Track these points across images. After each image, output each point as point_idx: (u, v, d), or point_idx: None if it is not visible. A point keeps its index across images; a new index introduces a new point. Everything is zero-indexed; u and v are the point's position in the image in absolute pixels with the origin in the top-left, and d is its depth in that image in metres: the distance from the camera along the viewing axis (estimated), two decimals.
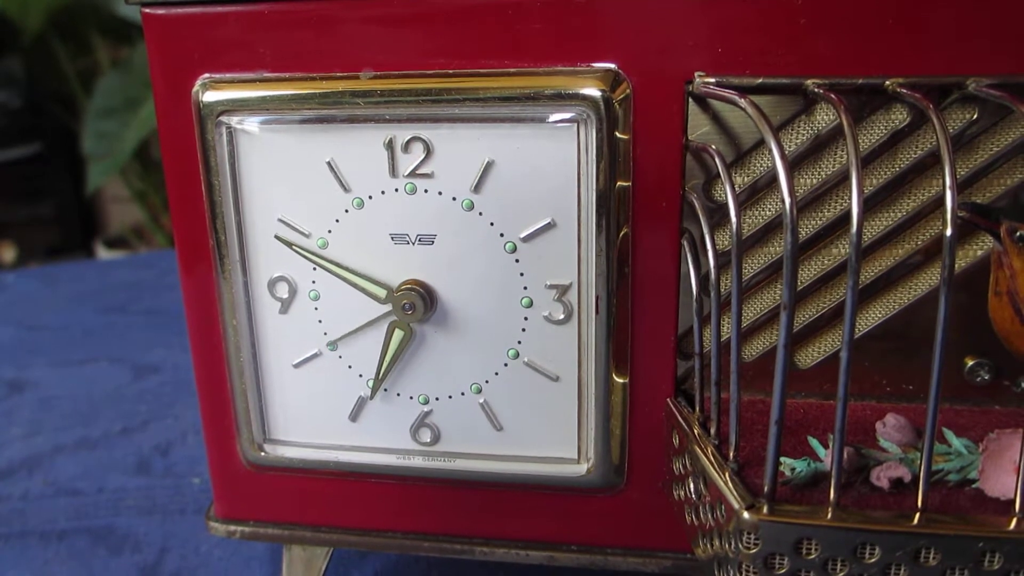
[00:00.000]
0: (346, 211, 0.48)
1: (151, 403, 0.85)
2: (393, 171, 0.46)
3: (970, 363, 0.46)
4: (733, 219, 0.38)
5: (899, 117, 0.43)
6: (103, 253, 2.49)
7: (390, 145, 0.46)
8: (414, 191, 0.47)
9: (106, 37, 2.29)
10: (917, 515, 0.37)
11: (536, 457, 0.50)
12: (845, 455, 0.40)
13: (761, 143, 0.45)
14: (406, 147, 0.46)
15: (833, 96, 0.39)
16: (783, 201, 0.35)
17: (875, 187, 0.45)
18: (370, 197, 0.47)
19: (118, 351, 0.99)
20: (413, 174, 0.46)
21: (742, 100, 0.39)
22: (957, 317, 0.45)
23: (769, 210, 0.46)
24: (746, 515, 0.38)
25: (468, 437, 0.50)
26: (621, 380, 0.48)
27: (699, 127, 0.45)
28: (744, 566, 0.38)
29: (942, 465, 0.40)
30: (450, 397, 0.50)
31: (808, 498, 0.40)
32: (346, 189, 0.47)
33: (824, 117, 0.44)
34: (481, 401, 0.50)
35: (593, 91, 0.43)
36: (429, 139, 0.46)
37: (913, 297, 0.46)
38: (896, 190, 0.45)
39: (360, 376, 0.50)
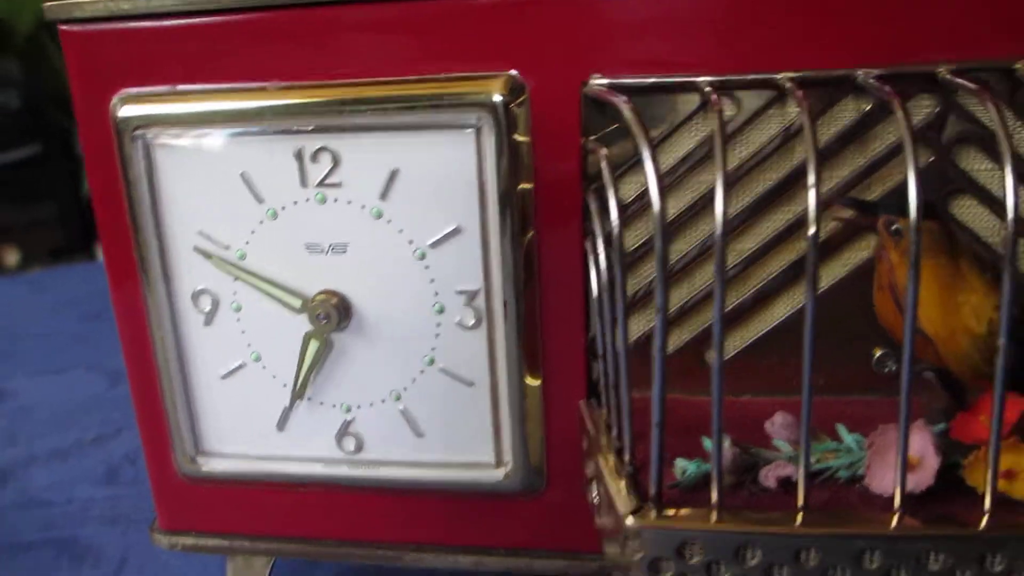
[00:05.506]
0: (261, 222, 0.48)
1: (126, 410, 0.86)
2: (303, 181, 0.47)
3: (878, 353, 0.45)
4: (615, 223, 0.38)
5: (793, 113, 0.43)
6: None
7: (299, 156, 0.47)
8: (324, 201, 0.47)
9: None
10: (799, 515, 0.37)
11: (456, 463, 0.50)
12: (731, 455, 0.40)
13: (663, 141, 0.45)
14: (314, 157, 0.46)
15: (714, 97, 0.39)
16: (652, 205, 0.35)
17: (774, 182, 0.44)
18: (283, 208, 0.48)
19: (96, 358, 1.00)
20: (322, 184, 0.47)
21: (622, 103, 0.39)
22: (864, 308, 0.44)
23: (673, 208, 0.46)
24: (629, 520, 0.37)
25: (390, 444, 0.51)
26: (534, 383, 0.48)
27: (603, 127, 0.44)
28: (632, 572, 0.38)
29: (831, 462, 0.40)
30: (371, 405, 0.50)
31: (699, 500, 0.40)
32: (260, 200, 0.48)
33: (726, 115, 0.44)
34: (401, 408, 0.50)
35: (492, 97, 0.43)
36: (336, 149, 0.46)
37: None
38: (795, 185, 0.44)
39: (284, 386, 0.51)
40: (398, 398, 0.50)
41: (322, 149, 0.46)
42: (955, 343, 0.37)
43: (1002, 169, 0.34)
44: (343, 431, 0.51)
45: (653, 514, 0.38)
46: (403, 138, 0.45)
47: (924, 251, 0.37)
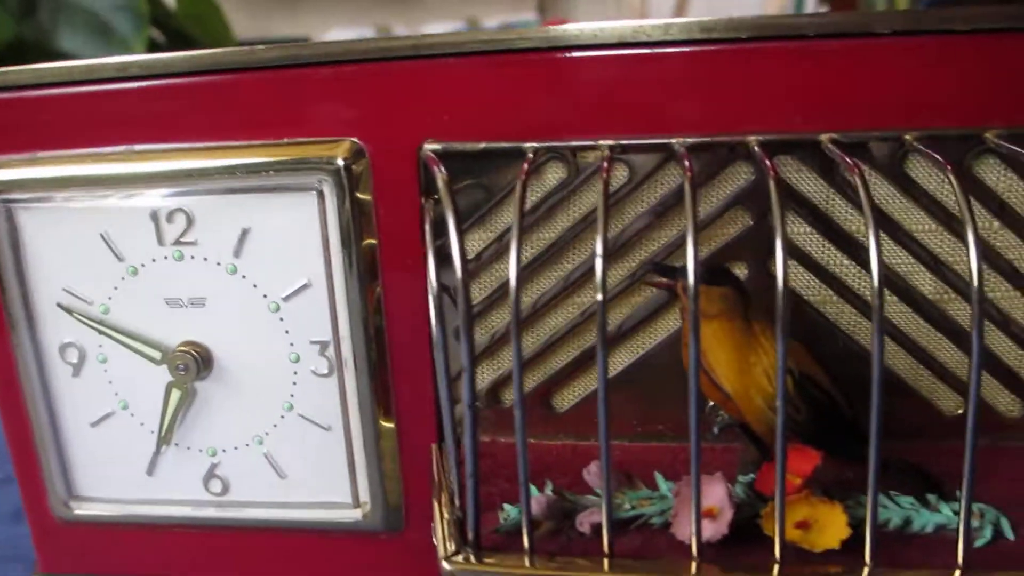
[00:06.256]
0: (122, 279, 0.50)
1: None
2: (160, 240, 0.49)
3: (709, 405, 0.48)
4: (432, 284, 0.40)
5: (621, 176, 0.46)
6: None
7: (155, 217, 0.48)
8: (181, 258, 0.49)
9: None
10: (605, 561, 0.39)
11: (317, 503, 0.52)
12: (546, 501, 0.42)
13: (501, 201, 0.47)
14: (169, 218, 0.48)
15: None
16: (454, 264, 0.38)
17: (612, 239, 0.47)
18: (143, 265, 0.50)
19: None
20: (178, 242, 0.49)
21: (437, 174, 0.41)
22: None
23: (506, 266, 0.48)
24: (444, 564, 0.40)
25: (255, 486, 0.53)
26: (388, 425, 0.50)
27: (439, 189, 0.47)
28: None
29: (645, 509, 0.42)
30: (235, 449, 0.52)
31: (521, 545, 0.42)
32: (120, 259, 0.50)
33: (554, 176, 0.46)
34: (264, 452, 0.52)
35: (332, 160, 0.46)
36: (189, 210, 0.48)
37: (654, 342, 0.48)
38: (628, 242, 0.47)
39: (152, 432, 0.52)
40: (260, 442, 0.52)
41: (177, 210, 0.48)
42: (750, 401, 0.40)
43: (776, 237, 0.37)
44: (209, 474, 0.53)
45: (468, 558, 0.40)
46: (252, 199, 0.47)
47: (719, 314, 0.40)
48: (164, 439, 0.52)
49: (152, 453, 0.53)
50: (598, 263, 0.36)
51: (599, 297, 0.36)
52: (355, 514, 0.52)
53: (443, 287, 0.40)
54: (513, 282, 0.37)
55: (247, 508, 0.53)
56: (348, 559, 0.53)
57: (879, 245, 0.35)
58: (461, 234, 0.38)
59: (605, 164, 0.41)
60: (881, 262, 0.35)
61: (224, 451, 0.52)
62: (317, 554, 0.54)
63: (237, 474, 0.53)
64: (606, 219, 0.37)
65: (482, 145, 0.45)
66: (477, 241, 0.49)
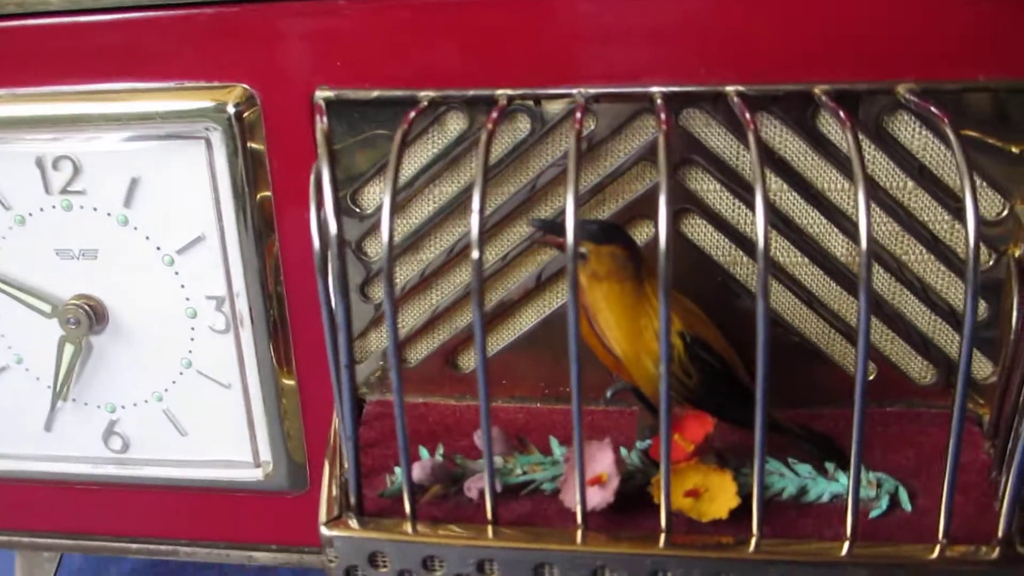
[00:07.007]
0: (10, 228, 0.48)
1: None
2: (47, 188, 0.47)
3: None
4: (314, 234, 0.38)
5: (523, 127, 0.44)
6: None
7: (40, 164, 0.46)
8: (70, 207, 0.47)
9: None
10: (488, 528, 0.38)
11: (220, 461, 0.51)
12: (431, 466, 0.41)
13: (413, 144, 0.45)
14: (55, 165, 0.46)
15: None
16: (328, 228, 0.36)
17: (510, 196, 0.45)
18: (30, 214, 0.47)
19: None
20: (65, 191, 0.47)
21: (318, 123, 0.39)
22: None
23: (415, 217, 0.46)
24: (323, 529, 0.39)
25: (155, 444, 0.51)
26: (290, 383, 0.48)
27: (342, 138, 0.45)
28: None
29: (536, 475, 0.41)
30: (135, 405, 0.51)
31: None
32: (6, 207, 0.47)
33: (455, 126, 0.44)
34: (164, 408, 0.50)
35: (223, 107, 0.43)
36: (75, 157, 0.46)
37: (560, 301, 0.47)
38: (530, 199, 0.45)
39: (48, 388, 0.51)
40: (160, 399, 0.50)
41: (62, 157, 0.46)
42: (641, 365, 0.39)
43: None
44: (109, 431, 0.51)
45: (352, 523, 0.39)
46: (141, 147, 0.45)
47: (609, 274, 0.38)
48: (60, 394, 0.50)
49: (49, 409, 0.51)
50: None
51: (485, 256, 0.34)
52: (256, 473, 0.50)
53: (341, 241, 0.37)
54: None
55: (148, 466, 0.52)
56: (253, 518, 0.52)
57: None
58: (336, 190, 0.36)
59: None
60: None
61: (123, 407, 0.51)
62: (222, 513, 0.53)
63: (137, 431, 0.51)
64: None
65: (375, 93, 0.43)
66: (380, 194, 0.46)
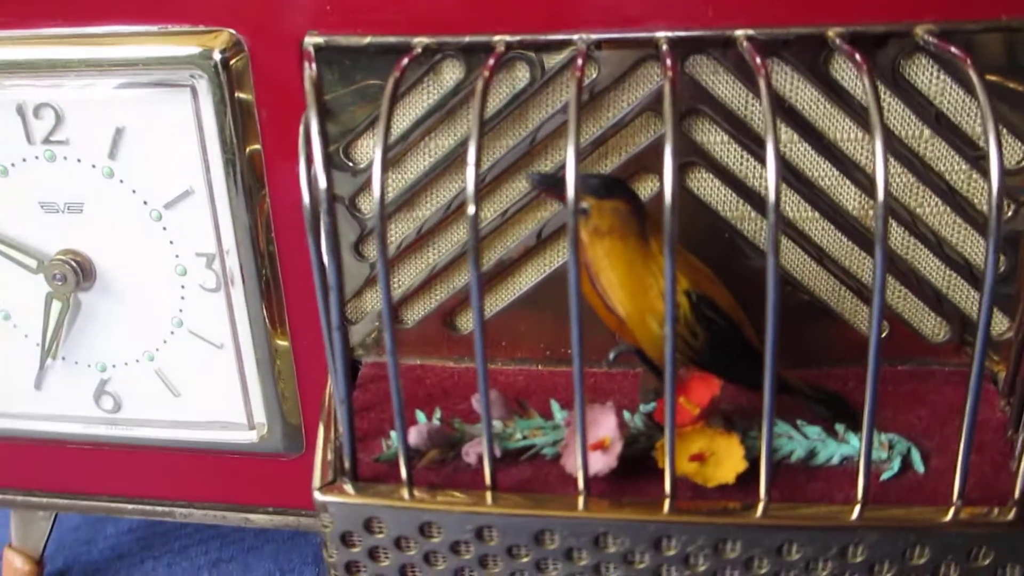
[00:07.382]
0: None
1: None
2: (29, 138, 0.45)
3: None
4: (304, 190, 0.37)
5: (522, 77, 0.42)
6: None
7: (21, 111, 0.44)
8: (53, 158, 0.45)
9: None
10: (488, 494, 0.37)
11: (214, 422, 0.50)
12: (428, 430, 0.39)
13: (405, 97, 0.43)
14: (37, 113, 0.44)
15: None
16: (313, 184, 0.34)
17: (509, 149, 0.43)
18: (13, 165, 0.46)
19: None
20: (48, 141, 0.45)
21: (306, 68, 0.37)
22: None
23: (410, 172, 0.45)
24: (317, 494, 0.37)
25: (148, 404, 0.50)
26: (283, 344, 0.47)
27: (333, 88, 0.43)
28: (328, 543, 0.38)
29: (536, 440, 0.40)
30: (126, 364, 0.49)
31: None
32: None
33: (451, 76, 0.42)
34: (156, 368, 0.49)
35: (209, 54, 0.41)
36: (57, 105, 0.44)
37: (562, 260, 0.45)
38: (530, 153, 0.43)
39: (37, 345, 0.50)
40: (151, 358, 0.49)
41: (43, 105, 0.44)
42: (645, 326, 0.37)
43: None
44: (100, 390, 0.50)
45: (347, 488, 0.38)
46: (124, 94, 0.43)
47: (611, 230, 0.37)
48: (49, 352, 0.49)
49: (38, 367, 0.50)
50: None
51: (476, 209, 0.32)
52: (251, 436, 0.49)
53: (331, 197, 0.35)
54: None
55: (140, 427, 0.51)
56: (249, 480, 0.51)
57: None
58: (326, 143, 0.34)
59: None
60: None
61: (114, 367, 0.50)
62: (218, 474, 0.52)
63: (129, 391, 0.50)
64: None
65: (367, 40, 0.41)
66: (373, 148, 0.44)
